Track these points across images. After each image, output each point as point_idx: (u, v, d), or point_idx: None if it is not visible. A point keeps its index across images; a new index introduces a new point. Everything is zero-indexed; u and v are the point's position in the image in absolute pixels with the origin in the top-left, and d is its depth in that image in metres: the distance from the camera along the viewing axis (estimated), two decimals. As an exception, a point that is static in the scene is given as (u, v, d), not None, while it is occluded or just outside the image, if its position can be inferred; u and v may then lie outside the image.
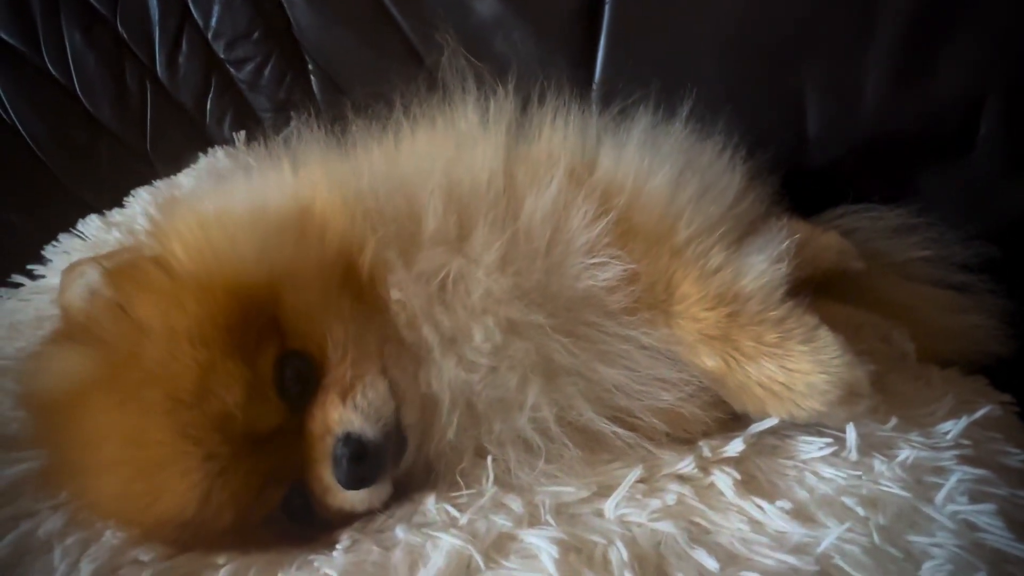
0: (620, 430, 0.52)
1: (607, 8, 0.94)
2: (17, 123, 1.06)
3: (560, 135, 0.61)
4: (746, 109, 0.90)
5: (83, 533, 0.48)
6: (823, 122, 0.88)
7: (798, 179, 0.86)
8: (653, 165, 0.58)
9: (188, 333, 0.45)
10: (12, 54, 1.06)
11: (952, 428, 0.55)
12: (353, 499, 0.48)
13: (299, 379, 0.48)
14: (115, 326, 0.47)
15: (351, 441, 0.47)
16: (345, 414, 0.47)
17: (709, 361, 0.52)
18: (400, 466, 0.50)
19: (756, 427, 0.54)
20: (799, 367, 0.50)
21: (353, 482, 0.47)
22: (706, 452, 0.51)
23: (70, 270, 0.51)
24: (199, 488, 0.44)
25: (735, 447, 0.51)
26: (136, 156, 1.08)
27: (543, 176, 0.54)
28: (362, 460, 0.47)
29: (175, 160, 1.00)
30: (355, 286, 0.51)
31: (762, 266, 0.54)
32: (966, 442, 0.55)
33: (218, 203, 0.53)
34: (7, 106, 1.06)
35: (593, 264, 0.52)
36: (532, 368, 0.51)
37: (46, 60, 1.06)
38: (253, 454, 0.46)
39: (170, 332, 0.45)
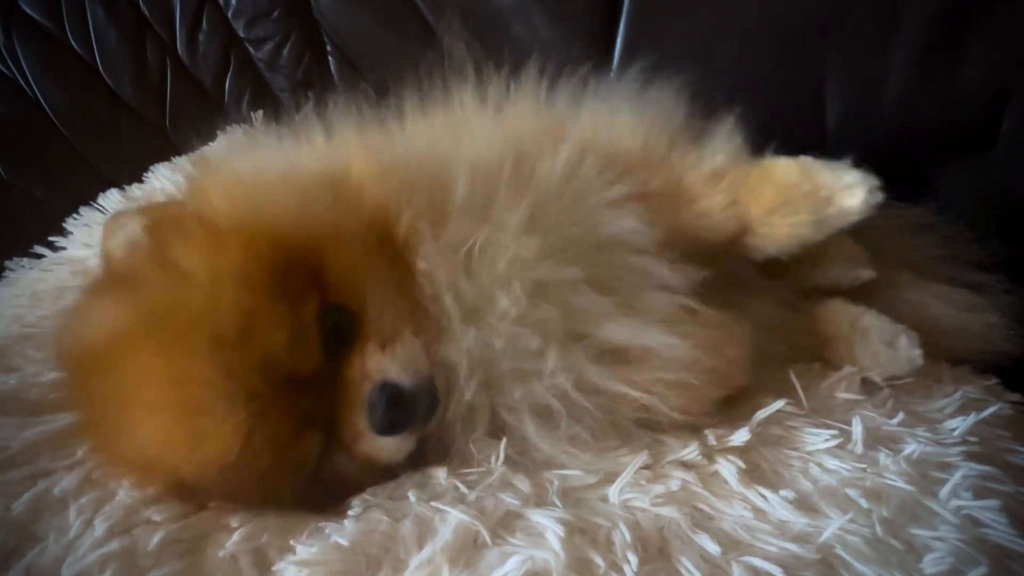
0: (633, 392, 0.52)
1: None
2: (40, 98, 1.08)
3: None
4: (765, 97, 0.89)
5: (97, 492, 0.49)
6: (843, 114, 0.87)
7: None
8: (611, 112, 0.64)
9: (233, 277, 0.46)
10: (37, 29, 1.07)
11: (960, 425, 0.55)
12: (383, 446, 0.49)
13: (338, 331, 0.49)
14: (157, 274, 0.48)
15: (387, 387, 0.48)
16: (384, 362, 0.48)
17: (729, 208, 0.59)
18: (430, 425, 0.52)
19: (762, 413, 0.55)
20: (820, 176, 0.59)
21: (387, 427, 0.48)
22: (711, 440, 0.52)
23: (113, 220, 0.51)
24: (242, 428, 0.45)
25: (740, 436, 0.51)
26: (156, 132, 1.09)
27: (551, 146, 0.56)
28: (397, 407, 0.48)
29: (194, 137, 1.00)
30: (390, 252, 0.52)
31: (722, 143, 0.63)
32: (973, 439, 0.55)
33: (250, 164, 0.54)
34: (31, 81, 1.08)
35: (612, 203, 0.55)
36: (554, 334, 0.51)
37: (69, 36, 1.07)
38: (292, 396, 0.47)
39: (214, 276, 0.46)
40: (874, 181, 0.58)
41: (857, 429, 0.52)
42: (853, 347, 0.63)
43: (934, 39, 0.81)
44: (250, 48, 1.07)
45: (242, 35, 1.06)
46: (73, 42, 1.06)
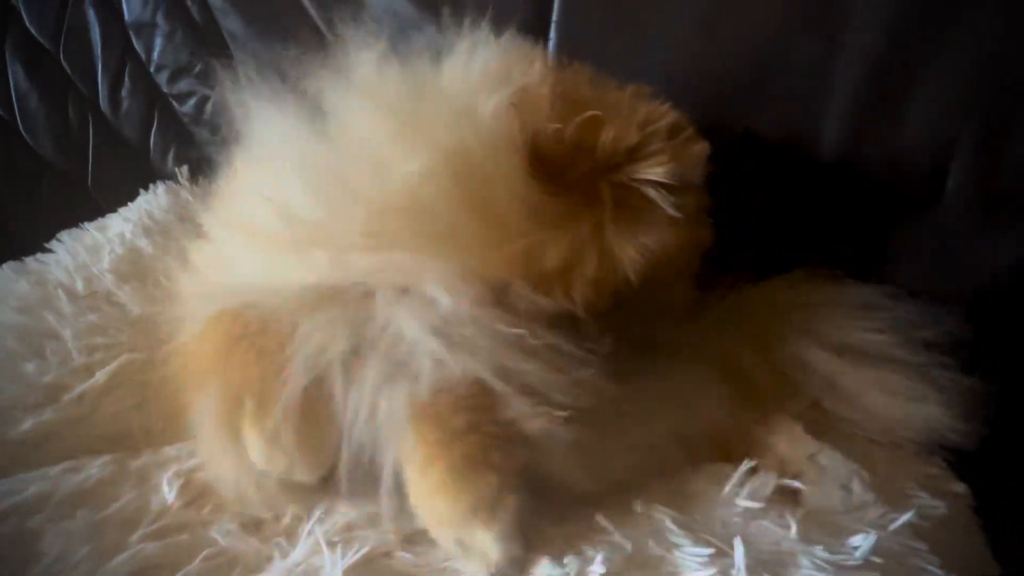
0: None
1: (552, 36, 0.89)
2: (-43, 160, 1.06)
3: None
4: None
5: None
6: (777, 168, 0.81)
7: (747, 237, 0.80)
8: None
9: None
10: (-46, 90, 1.06)
11: (862, 543, 0.49)
12: None
13: None
14: None
15: None
16: None
17: None
18: None
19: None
20: None
21: None
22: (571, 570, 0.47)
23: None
24: None
25: (596, 569, 0.46)
26: (78, 192, 1.07)
27: None
28: None
29: (117, 195, 0.98)
30: None
31: None
32: (877, 560, 0.49)
33: None
34: (-52, 142, 1.06)
35: None
36: None
37: (-11, 96, 1.06)
38: None
39: None
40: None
41: (739, 554, 0.47)
42: (805, 480, 0.58)
43: (871, 92, 0.75)
44: (174, 103, 1.05)
45: (165, 90, 1.04)
46: (-9, 101, 1.05)
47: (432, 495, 0.46)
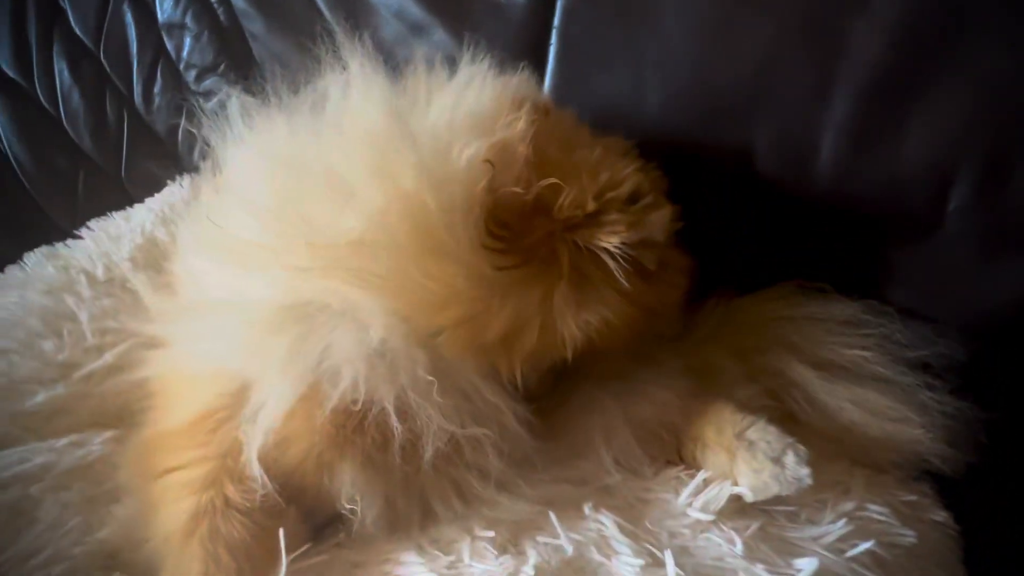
0: None
1: (553, 41, 0.89)
2: (8, 151, 1.15)
3: None
4: (691, 158, 0.83)
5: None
6: (772, 184, 0.79)
7: (738, 249, 0.79)
8: None
9: None
10: (12, 87, 1.15)
11: (806, 567, 0.49)
12: None
13: None
14: None
15: None
16: None
17: None
18: None
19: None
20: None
21: None
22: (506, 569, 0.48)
23: None
24: None
25: (528, 571, 0.47)
26: (111, 183, 1.14)
27: None
28: None
29: (148, 187, 1.05)
30: None
31: None
32: (820, 589, 0.48)
33: None
34: (1, 136, 1.15)
35: None
36: None
37: (38, 91, 1.14)
38: None
39: None
40: None
41: (669, 566, 0.47)
42: (736, 459, 0.57)
43: (871, 109, 0.72)
44: (201, 100, 1.10)
45: (193, 88, 1.10)
46: (42, 98, 1.13)
47: None
